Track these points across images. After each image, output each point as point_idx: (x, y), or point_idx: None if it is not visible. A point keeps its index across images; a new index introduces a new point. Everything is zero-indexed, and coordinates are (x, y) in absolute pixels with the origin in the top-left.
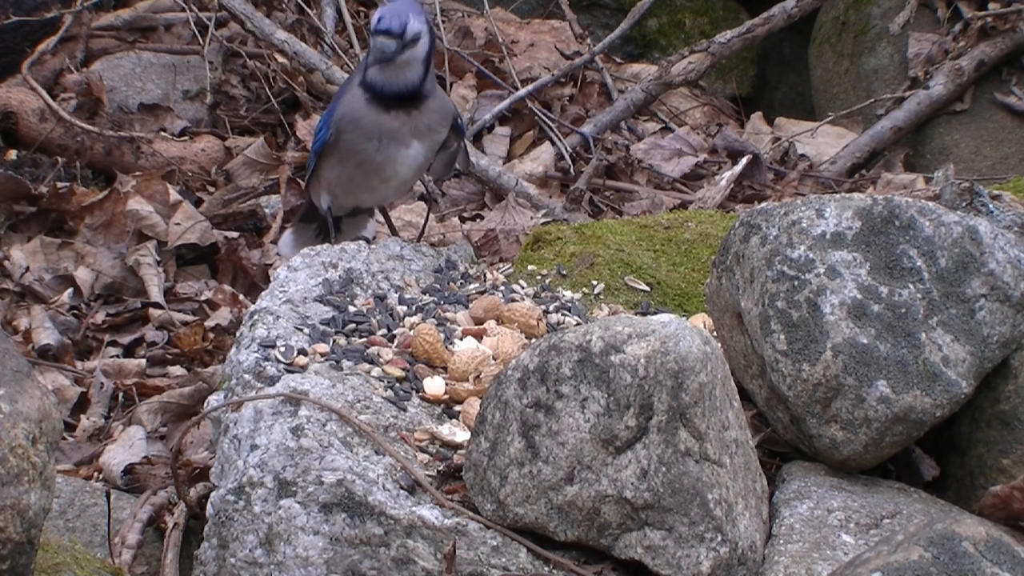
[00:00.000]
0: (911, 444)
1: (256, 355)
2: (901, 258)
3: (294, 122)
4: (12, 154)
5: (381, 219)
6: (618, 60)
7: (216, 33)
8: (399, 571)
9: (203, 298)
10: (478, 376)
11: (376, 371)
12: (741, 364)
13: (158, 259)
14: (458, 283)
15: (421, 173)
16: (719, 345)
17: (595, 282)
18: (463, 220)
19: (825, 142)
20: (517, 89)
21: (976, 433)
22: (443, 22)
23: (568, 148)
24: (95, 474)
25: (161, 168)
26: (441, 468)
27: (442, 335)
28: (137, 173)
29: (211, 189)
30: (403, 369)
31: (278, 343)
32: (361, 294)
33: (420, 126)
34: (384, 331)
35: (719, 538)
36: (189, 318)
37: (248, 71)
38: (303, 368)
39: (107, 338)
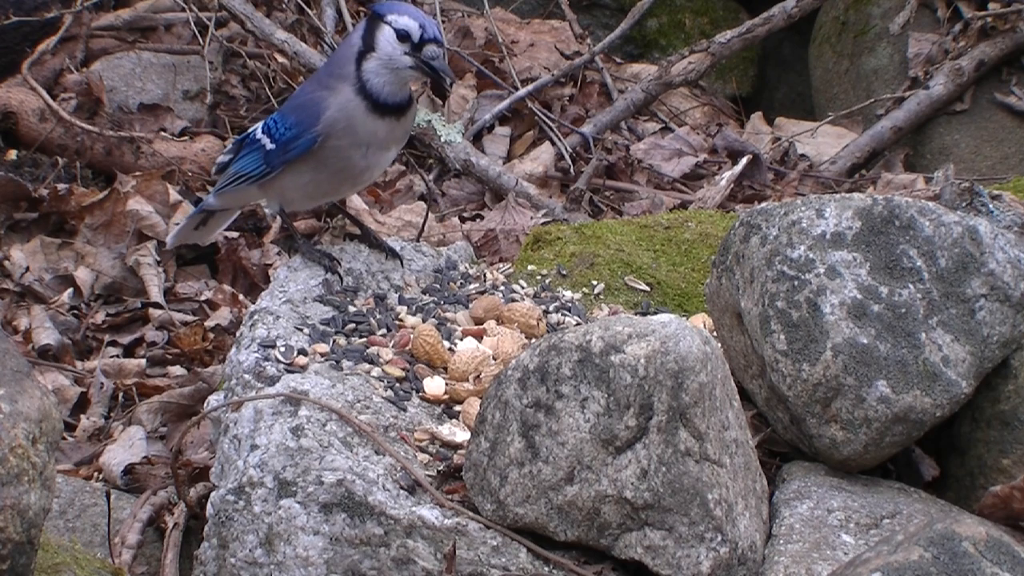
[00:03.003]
0: (911, 444)
1: (256, 355)
2: (901, 258)
3: None
4: (12, 154)
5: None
6: (618, 60)
7: (216, 33)
8: (399, 571)
9: (203, 298)
10: (478, 376)
11: (376, 371)
12: (741, 364)
13: (158, 259)
14: (458, 283)
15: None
16: (719, 345)
17: (595, 282)
18: (463, 220)
19: (825, 142)
20: (517, 89)
21: (976, 433)
22: (443, 22)
23: (568, 148)
24: (95, 474)
25: (161, 168)
26: (441, 468)
27: (442, 335)
28: (137, 173)
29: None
30: (403, 369)
31: (278, 343)
32: (361, 294)
33: (400, 133)
34: (384, 331)
35: (719, 538)
36: (189, 318)
37: (248, 71)
38: (303, 368)
39: (107, 338)
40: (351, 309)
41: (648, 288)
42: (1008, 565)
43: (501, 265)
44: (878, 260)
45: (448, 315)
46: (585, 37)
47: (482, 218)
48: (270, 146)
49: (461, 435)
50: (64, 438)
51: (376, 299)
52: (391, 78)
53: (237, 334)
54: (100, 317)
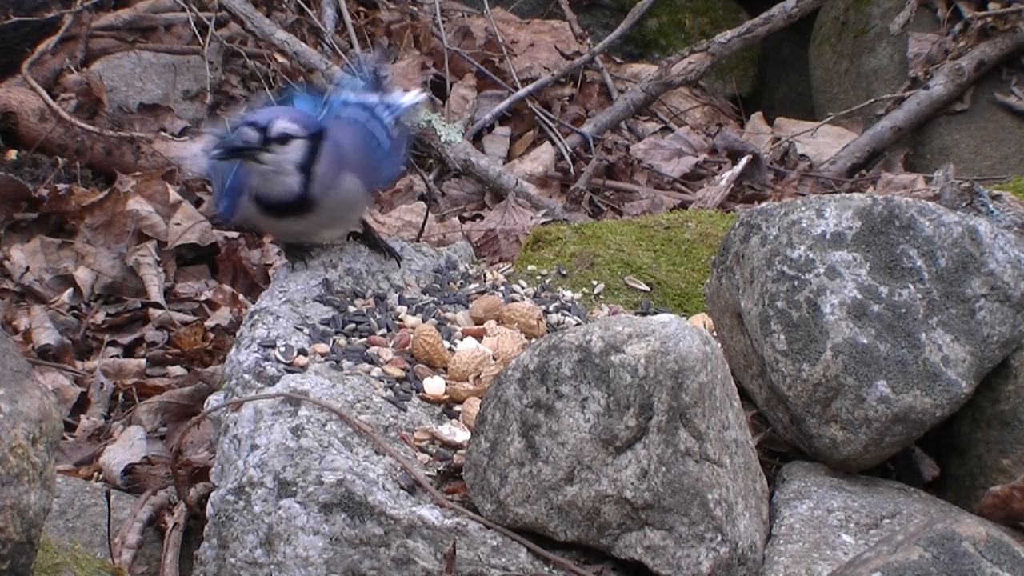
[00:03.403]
0: (911, 444)
1: (256, 355)
2: (901, 258)
3: None
4: (12, 154)
5: None
6: (618, 60)
7: (216, 33)
8: (399, 571)
9: (203, 298)
10: (478, 376)
11: (376, 371)
12: (741, 364)
13: (158, 259)
14: (458, 283)
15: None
16: (719, 345)
17: (595, 282)
18: (463, 220)
19: (825, 142)
20: (517, 89)
21: (976, 433)
22: (443, 22)
23: (568, 148)
24: (95, 474)
25: (161, 168)
26: (441, 468)
27: (442, 335)
28: (137, 173)
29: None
30: (403, 369)
31: (278, 343)
32: (361, 294)
33: (324, 221)
34: (384, 331)
35: (719, 538)
36: (189, 318)
37: (248, 71)
38: (303, 368)
39: (107, 338)
40: (351, 309)
41: (648, 288)
42: (1008, 565)
43: (501, 265)
44: (878, 260)
45: (448, 315)
46: (585, 37)
47: (482, 218)
48: (218, 191)
49: (461, 435)
50: (64, 438)
51: (376, 299)
52: (256, 174)
53: (237, 334)
54: (100, 317)
